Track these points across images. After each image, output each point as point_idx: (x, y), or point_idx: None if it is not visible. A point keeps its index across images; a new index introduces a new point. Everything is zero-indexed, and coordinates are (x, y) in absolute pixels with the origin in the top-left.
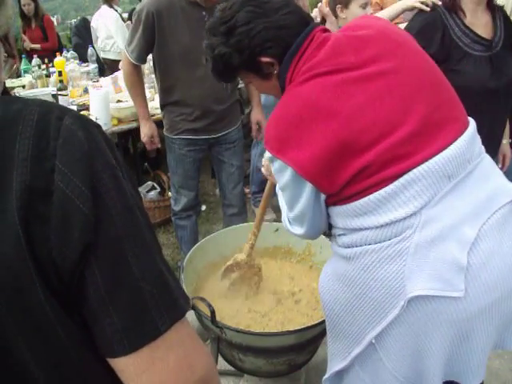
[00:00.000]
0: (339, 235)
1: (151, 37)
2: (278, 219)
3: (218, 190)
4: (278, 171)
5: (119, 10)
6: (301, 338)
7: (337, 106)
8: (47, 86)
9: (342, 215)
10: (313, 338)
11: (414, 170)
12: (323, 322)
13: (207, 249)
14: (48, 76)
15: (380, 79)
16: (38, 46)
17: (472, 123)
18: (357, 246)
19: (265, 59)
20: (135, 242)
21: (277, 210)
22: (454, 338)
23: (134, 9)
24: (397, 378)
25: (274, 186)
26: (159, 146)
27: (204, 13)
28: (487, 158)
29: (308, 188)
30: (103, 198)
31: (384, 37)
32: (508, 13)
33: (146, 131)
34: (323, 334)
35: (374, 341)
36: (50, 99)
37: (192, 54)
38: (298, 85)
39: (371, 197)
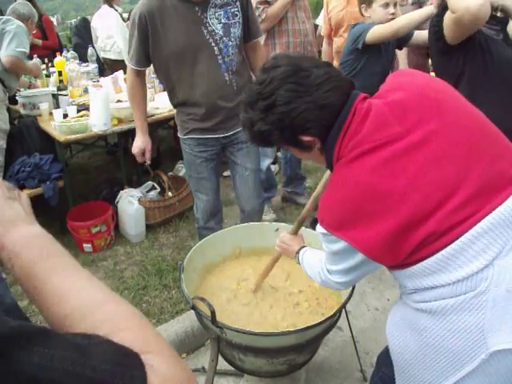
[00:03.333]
0: (409, 293)
1: (146, 39)
2: (278, 219)
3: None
4: (330, 241)
5: (119, 9)
6: (301, 338)
7: (389, 184)
8: (47, 86)
9: (410, 277)
10: (313, 338)
11: (480, 224)
12: (323, 321)
13: (207, 249)
14: (48, 76)
15: (427, 146)
16: (39, 41)
17: None
18: (429, 302)
19: (306, 138)
20: None
21: (277, 210)
22: None
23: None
24: None
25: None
26: (148, 162)
27: (197, 8)
28: None
29: (358, 256)
30: None
31: (423, 98)
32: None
33: (139, 144)
34: (323, 334)
35: None
36: (51, 99)
37: (189, 51)
38: (346, 164)
39: (439, 255)
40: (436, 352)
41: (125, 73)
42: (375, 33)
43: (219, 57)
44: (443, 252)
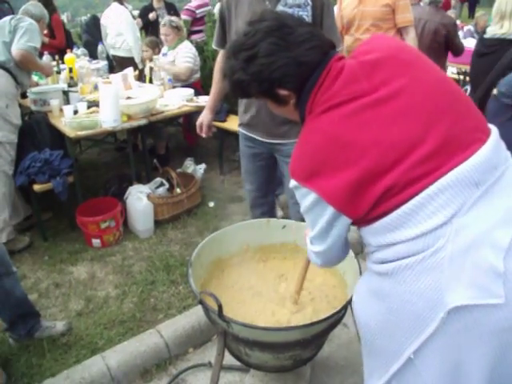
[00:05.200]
0: (372, 252)
1: (224, 23)
2: (286, 216)
3: (225, 186)
4: (303, 196)
5: (129, 7)
6: (306, 333)
7: (354, 135)
8: (57, 83)
9: (373, 233)
10: (318, 333)
11: (440, 180)
12: (329, 317)
13: (215, 245)
14: (58, 73)
15: (393, 101)
16: (46, 39)
17: (494, 130)
18: (391, 261)
19: (282, 92)
20: None
21: (284, 207)
22: (496, 348)
23: (144, 6)
24: None
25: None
26: (204, 135)
27: (267, 3)
28: None
29: (330, 209)
30: None
31: (393, 57)
32: (508, 13)
33: (199, 118)
34: (329, 329)
35: (412, 356)
36: (61, 95)
37: None
38: (316, 117)
39: (399, 211)
40: (398, 317)
41: (134, 70)
42: None
43: None
44: (403, 208)
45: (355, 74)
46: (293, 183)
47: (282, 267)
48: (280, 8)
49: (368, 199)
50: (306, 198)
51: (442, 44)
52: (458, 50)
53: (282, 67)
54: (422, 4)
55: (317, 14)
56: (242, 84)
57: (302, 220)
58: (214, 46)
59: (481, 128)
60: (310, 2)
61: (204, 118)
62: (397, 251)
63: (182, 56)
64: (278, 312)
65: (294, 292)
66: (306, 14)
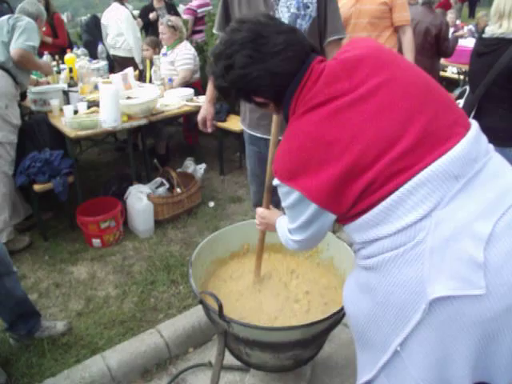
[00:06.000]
0: (359, 249)
1: (227, 9)
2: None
3: (225, 186)
4: (285, 194)
5: (130, 7)
6: (307, 333)
7: (335, 134)
8: (58, 83)
9: (356, 230)
10: (318, 333)
11: (419, 175)
12: (329, 317)
13: (215, 244)
14: (58, 72)
15: (372, 98)
16: (49, 39)
17: (474, 124)
18: (376, 256)
19: (259, 99)
20: None
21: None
22: (480, 339)
23: (145, 6)
24: None
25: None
26: (209, 130)
27: None
28: (497, 156)
29: (313, 206)
30: None
31: (372, 56)
32: (506, 12)
33: (201, 112)
34: (329, 329)
35: (399, 348)
36: (61, 95)
37: None
38: (298, 118)
39: (379, 207)
40: (384, 309)
41: (134, 70)
42: None
43: None
44: (384, 203)
45: (336, 74)
46: (276, 182)
47: (284, 265)
48: None
49: (350, 195)
50: (289, 196)
51: (433, 45)
52: (445, 53)
53: (255, 79)
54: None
55: (321, 1)
56: (222, 90)
57: None
58: (215, 31)
59: (460, 122)
60: None
61: (206, 112)
62: (380, 246)
63: (181, 58)
64: (279, 311)
65: (255, 267)
66: (310, 2)
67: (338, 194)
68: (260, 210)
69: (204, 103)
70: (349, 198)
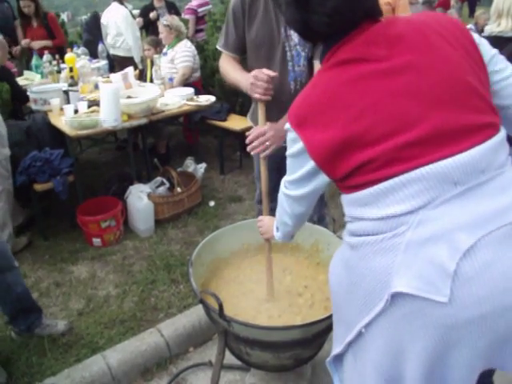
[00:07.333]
0: (348, 222)
1: (236, 24)
2: None
3: (225, 185)
4: (292, 141)
5: (129, 6)
6: (307, 332)
7: (354, 98)
8: (58, 82)
9: (347, 203)
10: (319, 332)
11: (417, 170)
12: (329, 317)
13: (215, 244)
14: (59, 72)
15: (402, 77)
16: (49, 42)
17: (501, 133)
18: (359, 236)
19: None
20: None
21: None
22: (438, 343)
23: (145, 6)
24: (381, 375)
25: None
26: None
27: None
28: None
29: (311, 163)
30: None
31: (422, 34)
32: (505, 13)
33: (249, 80)
34: (329, 329)
35: (363, 330)
36: (61, 95)
37: (265, 46)
38: (326, 69)
39: (371, 189)
40: (357, 290)
41: (134, 69)
42: None
43: (290, 63)
44: (375, 187)
45: (377, 38)
46: (287, 125)
47: (284, 263)
48: None
49: (347, 164)
50: (294, 144)
51: None
52: None
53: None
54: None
55: None
56: (282, 7)
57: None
58: (219, 47)
59: (485, 129)
60: None
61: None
62: (363, 227)
63: (181, 56)
64: (280, 310)
65: (267, 285)
66: None
67: (336, 159)
68: (260, 217)
69: (242, 77)
70: (345, 166)
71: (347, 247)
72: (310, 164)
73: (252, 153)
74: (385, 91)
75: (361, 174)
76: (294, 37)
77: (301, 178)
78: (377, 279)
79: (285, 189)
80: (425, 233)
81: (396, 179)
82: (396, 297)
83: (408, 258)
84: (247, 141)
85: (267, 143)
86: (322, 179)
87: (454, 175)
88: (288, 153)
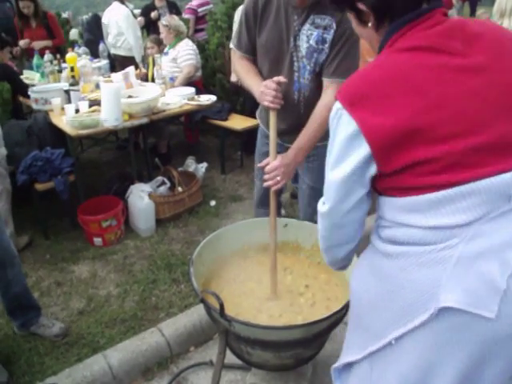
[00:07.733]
0: (384, 226)
1: (248, 26)
2: (287, 215)
3: (226, 185)
4: (340, 125)
5: (131, 6)
6: (308, 332)
7: (428, 87)
8: (59, 81)
9: (392, 207)
10: (320, 332)
11: (477, 182)
12: (330, 316)
13: (216, 243)
14: (60, 71)
15: (478, 77)
16: (49, 42)
17: None
18: (399, 244)
19: (361, 6)
20: None
21: (286, 206)
22: (474, 358)
23: (146, 5)
24: None
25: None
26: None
27: (296, 17)
28: None
29: (362, 150)
30: None
31: (498, 41)
32: (507, 13)
33: (262, 89)
34: (330, 328)
35: (393, 342)
36: (63, 94)
37: (274, 50)
38: (397, 51)
39: (426, 196)
40: (392, 301)
41: (135, 69)
42: None
43: (296, 74)
44: (432, 196)
45: (455, 32)
46: (336, 106)
47: (285, 262)
48: (307, 26)
49: (403, 158)
50: (344, 127)
51: None
52: None
53: None
54: None
55: (336, 41)
56: None
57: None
58: (232, 46)
59: None
60: (334, 26)
61: (267, 82)
62: (408, 234)
63: (184, 55)
64: (281, 309)
65: (271, 284)
66: (329, 38)
67: (392, 149)
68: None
69: (254, 84)
70: (402, 158)
71: (379, 254)
72: (361, 153)
73: (264, 185)
74: (462, 88)
75: (417, 173)
76: (302, 48)
77: (353, 172)
78: (420, 291)
79: (330, 172)
80: (477, 247)
81: (457, 189)
82: (442, 311)
83: (459, 273)
84: (264, 176)
85: (278, 178)
86: (368, 170)
87: (510, 190)
88: (334, 141)
